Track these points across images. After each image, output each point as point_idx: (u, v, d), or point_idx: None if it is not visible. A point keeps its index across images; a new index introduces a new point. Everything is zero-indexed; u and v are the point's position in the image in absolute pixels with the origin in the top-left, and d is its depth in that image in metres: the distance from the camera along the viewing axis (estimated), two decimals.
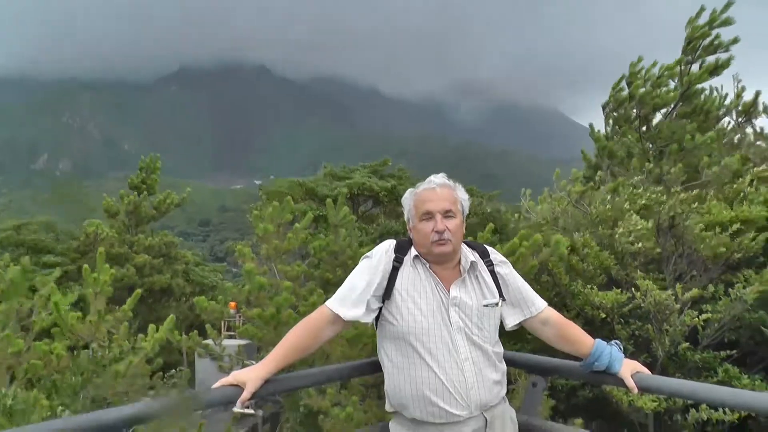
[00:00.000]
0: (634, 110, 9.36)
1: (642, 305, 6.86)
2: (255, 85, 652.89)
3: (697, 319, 6.71)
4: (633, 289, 6.98)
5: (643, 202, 7.78)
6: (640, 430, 7.10)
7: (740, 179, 8.14)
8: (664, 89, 9.07)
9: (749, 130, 10.52)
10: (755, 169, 8.30)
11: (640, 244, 7.29)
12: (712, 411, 6.52)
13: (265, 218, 7.48)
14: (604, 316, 7.16)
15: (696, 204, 7.57)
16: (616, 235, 7.51)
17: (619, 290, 7.14)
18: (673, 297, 6.70)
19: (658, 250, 7.39)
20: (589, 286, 7.23)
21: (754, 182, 8.03)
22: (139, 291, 6.39)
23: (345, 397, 5.93)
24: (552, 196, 10.75)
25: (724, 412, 6.45)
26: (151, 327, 6.04)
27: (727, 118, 10.64)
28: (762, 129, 9.86)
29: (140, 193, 20.01)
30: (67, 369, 5.36)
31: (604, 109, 9.88)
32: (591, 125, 9.86)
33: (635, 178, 8.53)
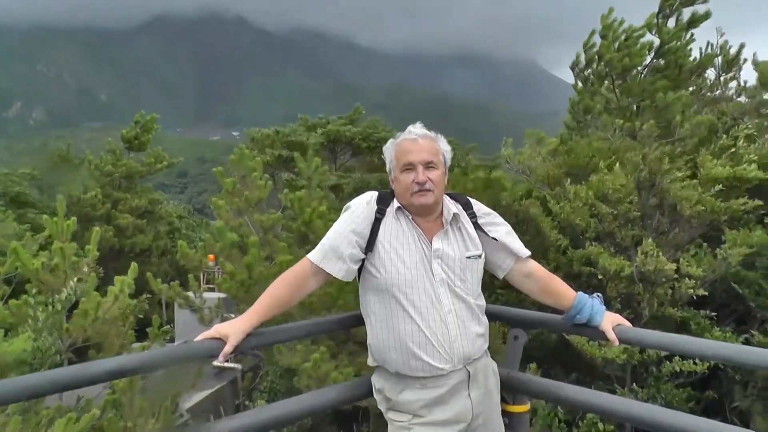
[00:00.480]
0: (606, 68, 9.27)
1: (642, 270, 6.90)
2: (233, 36, 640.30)
3: (692, 289, 6.79)
4: (638, 253, 7.02)
5: (619, 157, 7.79)
6: (616, 382, 7.25)
7: (724, 136, 8.14)
8: (637, 47, 8.96)
9: (733, 83, 10.53)
10: (741, 126, 8.29)
11: (621, 206, 7.31)
12: (685, 362, 6.67)
13: (230, 171, 7.43)
14: (600, 278, 7.23)
15: (668, 161, 7.55)
16: (604, 189, 7.50)
17: (621, 257, 7.18)
18: (675, 267, 6.76)
19: (634, 209, 7.41)
20: (597, 247, 7.25)
21: (739, 139, 8.05)
22: (98, 230, 6.21)
23: (320, 353, 5.95)
24: (531, 151, 10.75)
25: (695, 363, 6.61)
26: (117, 278, 5.97)
27: (711, 71, 10.62)
28: (746, 82, 9.84)
29: (132, 149, 19.69)
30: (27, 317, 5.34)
31: (573, 70, 9.78)
32: (584, 75, 9.78)
33: (609, 134, 8.52)
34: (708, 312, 7.07)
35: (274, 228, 7.28)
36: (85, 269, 5.75)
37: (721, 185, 7.07)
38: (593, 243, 7.47)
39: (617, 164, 7.70)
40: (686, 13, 8.90)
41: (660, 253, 6.85)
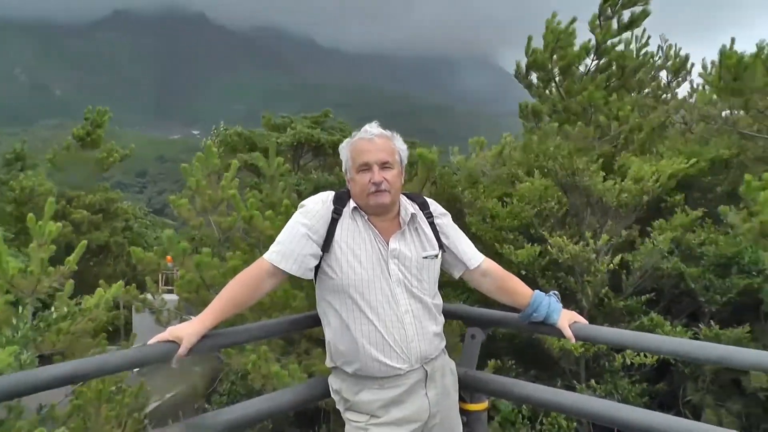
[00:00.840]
0: (546, 72, 9.45)
1: (560, 260, 7.05)
2: (194, 34, 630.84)
3: (611, 264, 6.96)
4: (549, 245, 7.17)
5: (541, 160, 7.96)
6: (571, 376, 7.37)
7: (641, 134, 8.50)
8: (577, 48, 9.14)
9: (686, 87, 10.95)
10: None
11: (544, 204, 7.47)
12: (636, 355, 6.83)
13: (194, 170, 7.32)
14: (524, 272, 7.34)
15: (597, 160, 7.74)
16: (524, 198, 7.65)
17: (531, 245, 7.33)
18: (588, 248, 6.91)
19: (560, 208, 7.55)
20: (506, 246, 7.40)
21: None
22: (84, 242, 6.04)
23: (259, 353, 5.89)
24: (478, 157, 10.97)
25: (646, 356, 6.76)
26: (99, 290, 5.82)
27: (662, 75, 11.02)
28: (699, 86, 10.13)
29: (84, 146, 19.20)
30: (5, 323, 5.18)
31: (516, 76, 9.92)
32: (529, 81, 9.92)
33: (550, 137, 8.69)
34: (649, 296, 7.27)
35: (235, 229, 7.21)
36: (66, 287, 5.61)
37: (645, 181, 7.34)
38: (508, 243, 7.59)
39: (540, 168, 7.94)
40: (626, 14, 9.12)
41: (567, 240, 7.03)
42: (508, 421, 7.00)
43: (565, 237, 7.09)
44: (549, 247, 7.16)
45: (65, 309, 5.38)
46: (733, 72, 7.36)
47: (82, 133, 19.23)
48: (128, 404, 5.82)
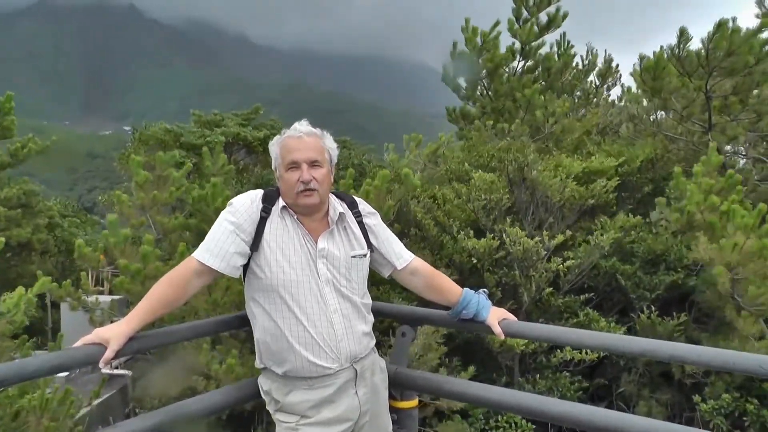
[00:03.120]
0: (474, 72, 9.66)
1: (511, 251, 7.18)
2: (124, 26, 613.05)
3: (561, 265, 7.14)
4: (503, 236, 7.28)
5: (485, 157, 8.13)
6: (506, 372, 7.50)
7: (575, 134, 8.80)
8: (501, 50, 9.38)
9: (616, 91, 11.42)
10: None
11: (492, 195, 7.61)
12: (575, 351, 7.01)
13: (144, 166, 7.13)
14: (475, 261, 7.44)
15: (537, 155, 7.98)
16: (472, 190, 7.78)
17: (491, 236, 7.43)
18: (541, 244, 7.06)
19: (507, 201, 7.72)
20: (462, 233, 7.47)
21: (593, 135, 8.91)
22: (2, 240, 5.74)
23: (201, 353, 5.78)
24: (413, 155, 11.11)
25: (585, 353, 6.95)
26: (20, 288, 5.52)
27: (591, 79, 11.47)
28: (630, 88, 10.50)
29: None
30: None
31: (443, 79, 10.09)
32: (456, 84, 10.08)
33: (485, 135, 8.88)
34: (587, 295, 7.49)
35: (175, 231, 7.05)
36: None
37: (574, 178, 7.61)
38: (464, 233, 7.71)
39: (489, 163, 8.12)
40: (543, 17, 9.41)
41: (521, 232, 7.20)
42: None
43: (518, 229, 7.20)
44: (504, 236, 7.25)
45: None
46: (651, 72, 7.72)
47: None
48: (53, 412, 5.59)
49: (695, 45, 7.57)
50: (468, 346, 7.69)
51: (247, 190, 2.42)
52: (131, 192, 7.42)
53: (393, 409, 2.65)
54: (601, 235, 7.22)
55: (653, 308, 7.11)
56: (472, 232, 7.58)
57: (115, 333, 2.09)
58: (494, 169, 8.01)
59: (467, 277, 7.54)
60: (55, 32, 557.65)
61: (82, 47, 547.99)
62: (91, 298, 8.06)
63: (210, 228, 2.35)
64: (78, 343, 2.09)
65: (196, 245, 2.37)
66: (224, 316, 2.78)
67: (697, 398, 6.52)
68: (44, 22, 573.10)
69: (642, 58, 8.01)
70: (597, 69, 11.69)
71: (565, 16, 9.37)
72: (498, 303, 2.62)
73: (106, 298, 9.69)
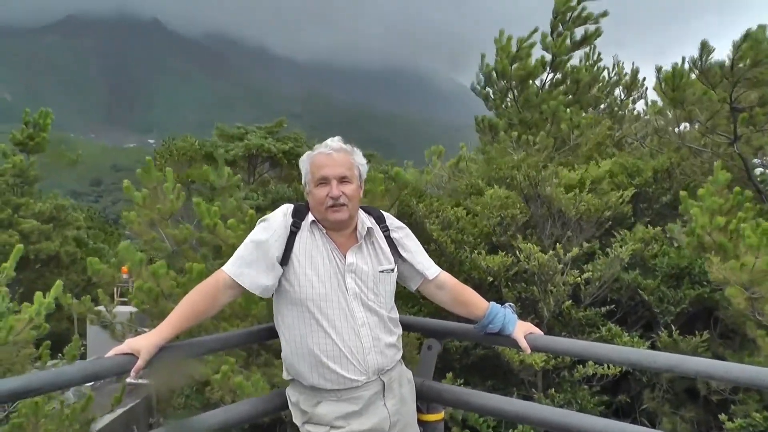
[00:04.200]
0: (505, 83, 9.61)
1: (527, 267, 7.15)
2: (148, 40, 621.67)
3: (579, 278, 7.09)
4: (517, 252, 7.26)
5: (503, 170, 8.09)
6: (528, 387, 7.45)
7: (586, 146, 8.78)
8: (532, 61, 9.32)
9: (641, 104, 11.36)
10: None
11: (507, 211, 7.58)
12: (597, 366, 6.94)
13: (143, 180, 7.20)
14: (491, 279, 7.41)
15: (552, 170, 7.92)
16: (485, 207, 7.75)
17: (504, 253, 7.40)
18: (556, 258, 7.02)
19: (522, 216, 7.68)
20: (476, 251, 7.46)
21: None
22: (20, 247, 5.81)
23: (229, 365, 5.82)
24: (436, 168, 11.06)
25: (608, 367, 6.89)
26: (38, 294, 5.65)
27: (618, 91, 11.42)
28: (655, 102, 10.42)
29: (27, 152, 18.55)
30: None
31: (473, 89, 10.06)
32: (486, 93, 10.05)
33: (509, 149, 8.84)
34: (608, 307, 7.41)
35: (188, 241, 7.11)
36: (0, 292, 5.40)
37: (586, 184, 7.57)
38: (478, 250, 7.67)
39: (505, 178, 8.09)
40: (579, 32, 9.36)
41: (536, 247, 7.15)
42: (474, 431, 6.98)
43: (533, 245, 7.18)
44: (517, 252, 7.23)
45: None
46: (671, 83, 7.69)
47: (22, 137, 18.57)
48: (72, 420, 5.66)
49: (718, 56, 7.55)
50: (485, 362, 7.66)
51: (266, 205, 2.46)
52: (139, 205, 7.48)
53: (420, 422, 2.66)
54: (620, 246, 7.17)
55: (677, 325, 7.01)
56: (487, 248, 7.58)
57: (146, 343, 2.14)
58: (510, 184, 7.99)
59: (486, 293, 7.52)
60: (79, 46, 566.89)
61: (105, 61, 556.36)
62: (113, 310, 8.15)
63: (226, 240, 2.38)
64: (110, 353, 2.13)
65: (213, 259, 2.41)
66: (253, 328, 2.82)
67: (723, 417, 6.40)
68: (69, 36, 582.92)
69: (659, 69, 7.96)
70: (624, 81, 11.60)
71: (599, 34, 9.33)
72: (519, 318, 2.63)
73: (124, 310, 9.77)
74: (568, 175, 7.63)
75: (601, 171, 7.79)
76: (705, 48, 7.48)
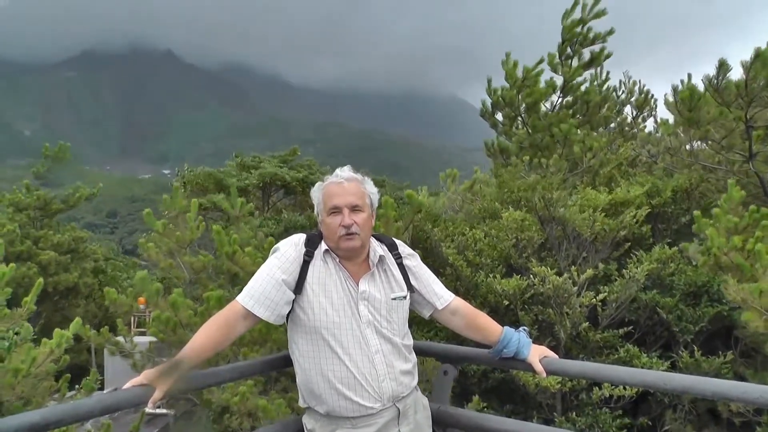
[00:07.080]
0: (513, 110, 9.63)
1: (542, 290, 7.12)
2: (162, 71, 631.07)
3: (594, 299, 7.04)
4: (531, 275, 7.23)
5: (516, 193, 8.09)
6: (548, 410, 7.37)
7: (608, 167, 8.75)
8: (540, 85, 9.34)
9: (650, 123, 11.31)
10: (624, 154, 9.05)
11: (523, 234, 7.56)
12: (614, 388, 6.87)
13: (165, 207, 7.28)
14: (507, 303, 7.38)
15: (570, 191, 7.90)
16: (502, 230, 7.74)
17: (519, 276, 7.38)
18: (570, 280, 6.99)
19: (539, 238, 7.65)
20: (491, 275, 7.43)
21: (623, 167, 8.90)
22: (41, 281, 5.88)
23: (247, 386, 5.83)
24: (450, 191, 11.05)
25: (624, 389, 6.81)
26: (57, 331, 5.70)
27: (627, 110, 11.38)
28: (666, 120, 10.40)
29: (47, 185, 18.85)
30: None
31: (482, 115, 10.10)
32: (495, 119, 10.08)
33: (522, 171, 8.84)
34: (626, 329, 7.34)
35: (205, 270, 7.15)
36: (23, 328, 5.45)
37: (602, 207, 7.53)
38: (494, 273, 7.64)
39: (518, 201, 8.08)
40: (586, 53, 9.34)
41: (550, 270, 7.11)
42: None
43: (547, 268, 7.15)
44: (531, 276, 7.21)
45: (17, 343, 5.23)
46: (687, 103, 7.65)
47: (42, 170, 18.91)
48: None
49: (733, 74, 7.53)
50: (504, 385, 7.60)
51: (278, 233, 2.49)
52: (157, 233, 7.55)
53: None
54: (636, 267, 7.13)
55: (696, 344, 6.93)
56: (503, 271, 7.56)
57: (162, 374, 2.16)
58: (525, 206, 7.99)
59: (502, 316, 7.49)
60: (95, 80, 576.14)
61: (120, 93, 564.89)
62: (128, 343, 8.19)
63: (244, 267, 2.41)
64: (127, 385, 2.16)
65: (230, 288, 2.44)
66: (268, 357, 2.83)
67: None
68: (85, 71, 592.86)
69: (675, 89, 7.96)
70: (634, 99, 11.59)
71: (608, 55, 9.36)
72: (535, 341, 2.63)
73: (143, 340, 9.81)
74: (598, 197, 7.58)
75: (632, 194, 7.72)
76: (723, 67, 7.44)
